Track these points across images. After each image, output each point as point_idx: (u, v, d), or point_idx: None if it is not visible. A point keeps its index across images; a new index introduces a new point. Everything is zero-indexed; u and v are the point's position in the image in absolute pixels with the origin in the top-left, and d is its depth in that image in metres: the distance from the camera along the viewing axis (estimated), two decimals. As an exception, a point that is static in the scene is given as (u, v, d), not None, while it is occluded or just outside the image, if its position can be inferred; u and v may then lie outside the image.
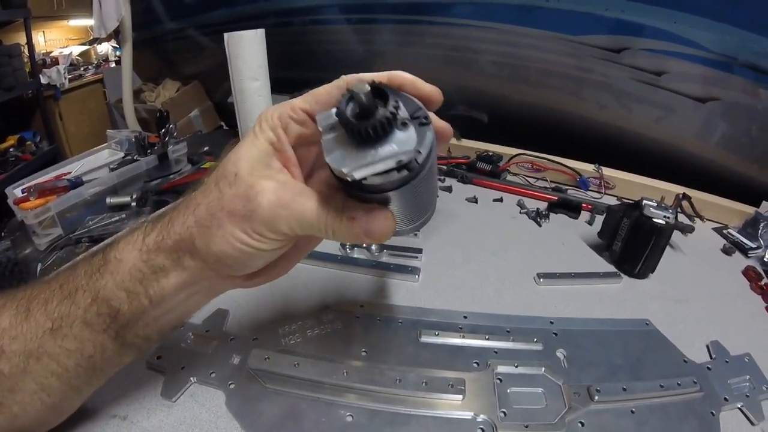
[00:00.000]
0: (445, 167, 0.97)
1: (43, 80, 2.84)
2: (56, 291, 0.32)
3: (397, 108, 0.25)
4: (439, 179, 0.95)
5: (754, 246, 0.73)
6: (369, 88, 0.25)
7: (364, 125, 0.25)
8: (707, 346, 0.52)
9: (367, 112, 0.26)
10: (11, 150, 2.54)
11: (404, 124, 0.26)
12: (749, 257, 0.71)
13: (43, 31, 3.43)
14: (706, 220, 0.82)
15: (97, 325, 0.32)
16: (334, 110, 0.26)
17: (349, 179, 0.25)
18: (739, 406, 0.44)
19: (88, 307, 0.31)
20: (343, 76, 0.31)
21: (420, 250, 0.67)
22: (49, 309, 0.31)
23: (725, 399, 0.45)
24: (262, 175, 0.29)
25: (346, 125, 0.25)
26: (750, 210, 0.79)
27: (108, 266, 0.32)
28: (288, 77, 1.22)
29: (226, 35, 1.01)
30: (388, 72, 0.30)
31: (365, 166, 0.25)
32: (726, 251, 0.73)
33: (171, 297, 0.33)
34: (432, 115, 0.29)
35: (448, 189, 0.91)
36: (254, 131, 0.31)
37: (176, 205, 0.33)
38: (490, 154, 0.96)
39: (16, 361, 0.31)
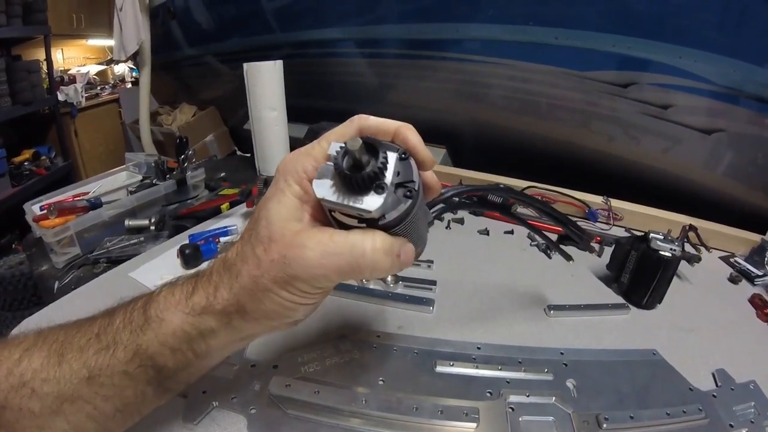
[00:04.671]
0: (457, 199, 0.98)
1: (61, 97, 2.91)
2: (92, 340, 0.32)
3: (385, 162, 0.28)
4: (452, 212, 0.95)
5: (760, 274, 0.73)
6: (360, 144, 0.27)
7: (358, 176, 0.27)
8: (713, 374, 0.52)
9: (358, 165, 0.28)
10: (26, 164, 2.60)
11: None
12: (756, 285, 0.71)
13: (62, 49, 3.51)
14: (712, 249, 0.82)
15: (139, 376, 0.32)
16: (331, 165, 0.29)
17: (369, 216, 0.29)
18: (743, 432, 0.45)
19: (129, 361, 0.32)
20: (354, 117, 0.33)
21: (434, 282, 0.68)
22: (85, 358, 0.32)
23: (730, 425, 0.45)
24: (295, 233, 0.30)
25: (341, 175, 0.28)
26: (756, 238, 0.79)
27: (150, 324, 0.32)
28: (303, 106, 1.24)
29: (245, 65, 1.03)
30: (397, 123, 0.32)
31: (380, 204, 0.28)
32: (732, 280, 0.73)
33: (217, 351, 0.35)
34: (417, 144, 0.32)
35: (460, 221, 0.92)
36: (280, 187, 0.32)
37: (214, 267, 0.34)
38: (501, 186, 0.97)
39: (48, 403, 0.31)
